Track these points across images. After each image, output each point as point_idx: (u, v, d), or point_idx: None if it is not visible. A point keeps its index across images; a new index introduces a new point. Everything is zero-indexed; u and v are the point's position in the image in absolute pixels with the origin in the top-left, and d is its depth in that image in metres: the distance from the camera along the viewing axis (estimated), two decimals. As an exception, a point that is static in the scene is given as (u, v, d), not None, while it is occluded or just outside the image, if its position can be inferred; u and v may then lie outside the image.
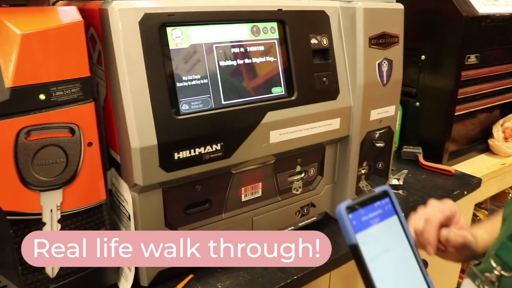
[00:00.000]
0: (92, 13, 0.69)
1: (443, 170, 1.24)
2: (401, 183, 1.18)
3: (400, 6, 0.92)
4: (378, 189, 0.52)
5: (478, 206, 1.64)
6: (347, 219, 0.47)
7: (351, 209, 0.47)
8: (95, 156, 0.69)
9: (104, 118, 0.75)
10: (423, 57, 1.27)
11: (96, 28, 0.70)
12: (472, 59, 1.22)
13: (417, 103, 1.32)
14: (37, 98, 0.61)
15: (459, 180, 1.21)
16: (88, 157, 0.68)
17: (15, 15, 0.61)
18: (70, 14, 0.64)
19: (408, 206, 1.07)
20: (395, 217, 0.52)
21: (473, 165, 1.35)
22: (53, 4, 0.88)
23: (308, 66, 0.83)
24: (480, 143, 1.46)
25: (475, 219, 1.58)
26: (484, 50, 1.25)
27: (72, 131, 0.65)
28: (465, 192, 1.16)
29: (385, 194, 0.52)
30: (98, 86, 0.75)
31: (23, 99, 0.60)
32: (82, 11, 0.72)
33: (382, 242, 0.49)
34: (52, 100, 0.62)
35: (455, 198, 1.14)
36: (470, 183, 1.21)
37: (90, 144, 0.68)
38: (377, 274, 0.47)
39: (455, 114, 1.27)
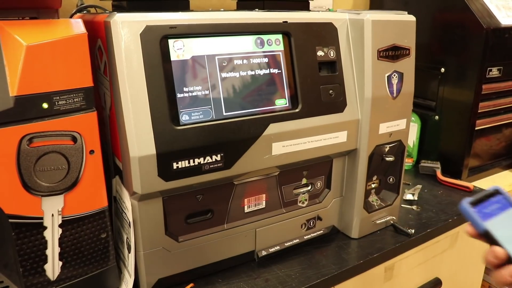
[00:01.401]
0: (99, 25, 0.72)
1: (461, 186, 1.20)
2: (416, 198, 1.15)
3: (412, 18, 0.91)
4: (489, 188, 0.58)
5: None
6: (473, 211, 0.54)
7: (472, 204, 0.55)
8: (97, 163, 0.71)
9: (109, 126, 0.78)
10: (442, 69, 1.24)
11: (102, 40, 0.72)
12: (494, 72, 1.18)
13: (437, 117, 1.29)
14: (40, 106, 0.63)
15: (477, 197, 1.17)
16: (90, 164, 0.70)
17: (23, 27, 0.64)
18: (75, 27, 0.66)
19: (421, 222, 1.03)
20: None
21: (496, 182, 1.30)
22: (71, 16, 0.91)
23: (313, 78, 0.83)
24: (505, 158, 1.40)
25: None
26: (507, 62, 1.21)
27: (74, 139, 0.67)
28: (484, 210, 1.12)
29: (496, 192, 0.57)
30: (105, 96, 0.77)
31: (26, 107, 0.62)
32: (91, 24, 0.75)
33: (509, 227, 0.54)
34: (55, 109, 0.65)
35: (472, 216, 1.10)
36: (490, 200, 1.16)
37: (92, 152, 0.69)
38: None
39: (476, 128, 1.23)
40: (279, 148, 0.80)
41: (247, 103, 0.77)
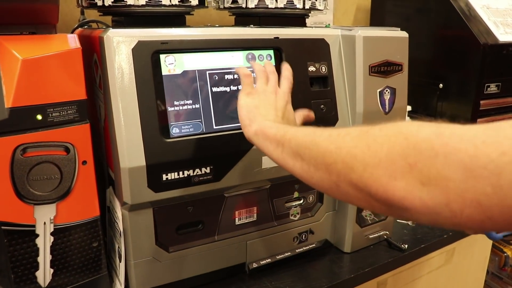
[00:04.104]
0: (95, 40, 0.74)
1: (458, 202, 1.19)
2: (412, 214, 1.14)
3: (405, 34, 0.92)
4: None
5: (507, 242, 1.56)
6: None
7: None
8: (89, 174, 0.73)
9: (104, 138, 0.80)
10: (441, 85, 1.25)
11: (97, 55, 0.75)
12: (493, 88, 1.19)
13: (435, 132, 1.29)
14: (34, 118, 0.66)
15: (475, 213, 1.16)
16: (82, 174, 0.71)
17: (20, 42, 0.67)
18: (70, 42, 0.69)
19: (415, 238, 1.03)
20: None
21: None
22: (72, 31, 0.95)
23: (305, 93, 0.84)
24: (506, 175, 1.39)
25: (501, 256, 1.50)
26: (506, 79, 1.21)
27: (67, 150, 0.69)
28: (481, 226, 1.11)
29: None
30: (100, 108, 0.79)
31: (21, 119, 0.65)
32: (88, 39, 0.78)
33: None
34: (48, 120, 0.67)
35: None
36: (488, 217, 1.15)
37: (84, 162, 0.72)
38: None
39: (475, 144, 1.22)
40: (269, 162, 0.81)
41: (238, 117, 0.79)
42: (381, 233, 1.00)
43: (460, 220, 0.39)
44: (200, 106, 0.75)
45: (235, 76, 0.78)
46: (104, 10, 0.84)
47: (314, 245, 0.96)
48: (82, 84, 0.69)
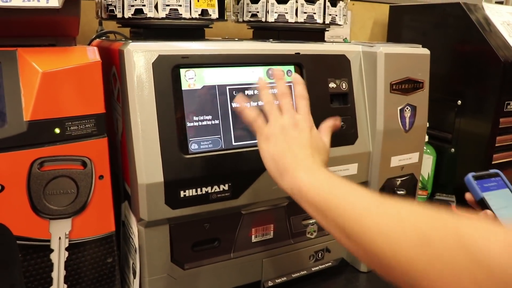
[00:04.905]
0: (114, 53, 0.73)
1: (477, 221, 1.17)
2: (429, 233, 1.12)
3: (426, 51, 0.90)
4: (491, 171, 0.73)
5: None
6: (474, 182, 0.70)
7: (475, 177, 0.71)
8: (106, 189, 0.71)
9: (121, 152, 0.79)
10: (459, 102, 1.23)
11: (116, 67, 0.74)
12: (513, 106, 1.16)
13: (453, 149, 1.27)
14: (52, 131, 0.65)
15: (494, 233, 1.13)
16: (98, 189, 0.70)
17: (40, 54, 0.66)
18: (90, 55, 0.68)
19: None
20: (507, 190, 0.72)
21: (514, 218, 1.26)
22: (90, 42, 0.94)
23: (325, 110, 0.83)
24: (524, 194, 1.36)
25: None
26: (527, 96, 1.18)
27: (84, 164, 0.68)
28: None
29: (496, 174, 0.73)
30: (117, 121, 0.79)
31: (39, 132, 0.64)
32: (107, 51, 0.77)
33: (501, 201, 0.69)
34: (66, 134, 0.66)
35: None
36: (507, 238, 1.12)
37: (101, 177, 0.70)
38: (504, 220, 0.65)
39: (494, 162, 1.20)
40: (288, 179, 0.79)
41: (257, 133, 0.77)
42: (398, 253, 0.97)
43: None
44: (219, 122, 0.74)
45: (255, 91, 0.77)
46: (124, 22, 0.83)
47: (330, 263, 0.94)
48: (101, 97, 0.68)
